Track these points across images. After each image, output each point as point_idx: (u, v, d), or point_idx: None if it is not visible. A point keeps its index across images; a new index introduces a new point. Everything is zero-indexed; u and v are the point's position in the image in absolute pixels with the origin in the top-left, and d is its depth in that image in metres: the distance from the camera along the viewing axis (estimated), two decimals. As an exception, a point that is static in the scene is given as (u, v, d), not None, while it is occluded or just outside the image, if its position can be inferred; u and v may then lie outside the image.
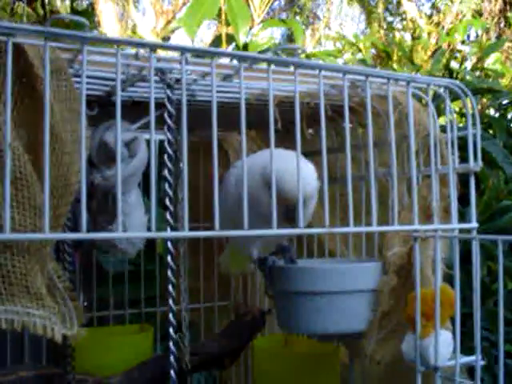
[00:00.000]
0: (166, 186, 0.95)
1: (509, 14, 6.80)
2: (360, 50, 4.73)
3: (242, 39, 2.63)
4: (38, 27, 0.77)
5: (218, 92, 1.09)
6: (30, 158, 0.81)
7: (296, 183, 0.91)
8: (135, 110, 1.12)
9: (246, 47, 2.65)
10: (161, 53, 1.54)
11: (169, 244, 0.96)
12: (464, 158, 1.16)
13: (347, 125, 1.00)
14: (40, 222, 0.79)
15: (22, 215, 0.78)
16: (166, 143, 0.96)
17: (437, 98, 1.20)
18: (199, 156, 1.63)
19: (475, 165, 1.13)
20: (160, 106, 1.15)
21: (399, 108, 1.17)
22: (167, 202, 0.94)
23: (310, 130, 1.39)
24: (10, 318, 0.76)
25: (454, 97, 1.17)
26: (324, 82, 1.08)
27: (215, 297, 1.72)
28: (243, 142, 0.88)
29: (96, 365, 1.28)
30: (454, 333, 1.07)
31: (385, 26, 8.26)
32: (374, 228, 1.00)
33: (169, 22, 7.03)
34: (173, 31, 6.14)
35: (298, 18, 8.64)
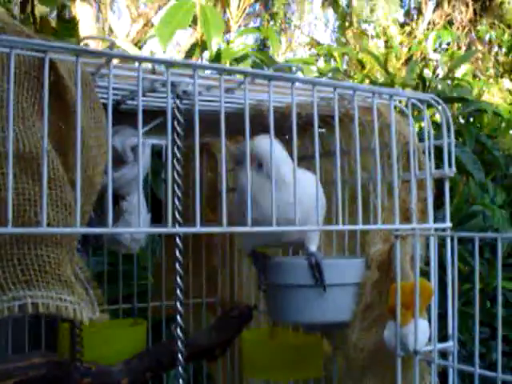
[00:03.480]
0: (175, 186, 1.05)
1: (479, 27, 7.00)
2: (334, 58, 4.85)
3: (215, 47, 2.70)
4: (71, 45, 0.87)
5: (216, 102, 1.21)
6: (61, 161, 0.91)
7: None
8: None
9: (219, 55, 2.72)
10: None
11: (177, 240, 1.06)
12: (438, 165, 1.29)
13: (337, 133, 1.11)
14: (70, 218, 0.89)
15: (56, 212, 0.88)
16: (174, 148, 1.07)
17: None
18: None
19: (450, 171, 1.26)
20: (162, 114, 1.26)
21: (381, 118, 1.28)
22: (175, 200, 1.05)
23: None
24: (46, 303, 0.85)
25: (428, 105, 1.29)
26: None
27: (203, 293, 1.82)
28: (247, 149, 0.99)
29: (94, 356, 1.33)
30: (430, 321, 1.19)
31: (356, 31, 8.40)
32: (360, 226, 1.12)
33: (144, 26, 7.08)
34: (150, 37, 6.21)
35: (271, 22, 8.75)
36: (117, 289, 1.70)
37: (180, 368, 1.11)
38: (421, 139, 1.31)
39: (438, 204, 1.34)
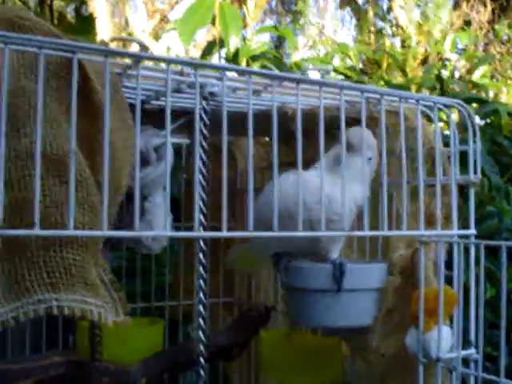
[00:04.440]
0: (200, 188, 1.04)
1: (496, 26, 6.95)
2: (350, 57, 4.84)
3: (233, 46, 2.70)
4: (99, 46, 0.87)
5: (241, 104, 1.20)
6: (88, 162, 0.90)
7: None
8: (163, 117, 1.22)
9: (237, 53, 2.70)
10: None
11: (201, 243, 1.06)
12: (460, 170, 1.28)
13: (364, 134, 1.11)
14: (96, 220, 0.89)
15: (82, 214, 0.88)
16: (199, 150, 1.06)
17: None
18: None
19: (475, 177, 1.25)
20: (185, 113, 1.26)
21: (407, 122, 1.27)
22: (200, 203, 1.04)
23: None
24: (71, 306, 0.85)
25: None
26: (337, 98, 1.20)
27: (220, 293, 1.81)
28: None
29: (110, 355, 1.33)
30: (454, 328, 1.18)
31: (373, 30, 8.37)
32: (385, 232, 1.11)
33: (161, 21, 7.10)
34: (167, 31, 6.22)
35: (288, 19, 8.75)
36: (134, 285, 1.69)
37: (201, 370, 1.10)
38: (445, 144, 1.30)
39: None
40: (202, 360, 1.11)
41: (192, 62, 0.97)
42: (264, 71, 1.17)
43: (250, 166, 0.95)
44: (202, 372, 1.12)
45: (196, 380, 1.15)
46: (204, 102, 1.06)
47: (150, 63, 1.09)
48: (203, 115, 1.06)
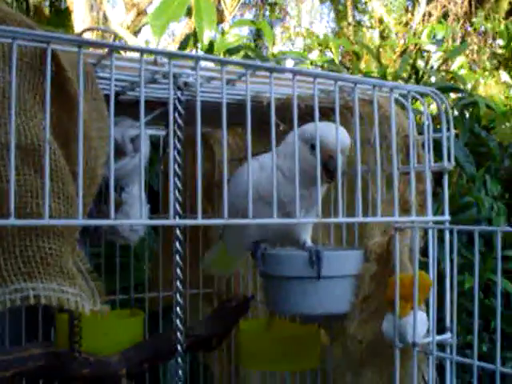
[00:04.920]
0: (175, 178, 1.05)
1: (474, 19, 6.98)
2: (330, 49, 4.84)
3: (207, 40, 2.69)
4: (73, 36, 0.87)
5: (216, 94, 1.20)
6: (62, 152, 0.90)
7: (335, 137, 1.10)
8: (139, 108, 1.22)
9: (211, 46, 2.70)
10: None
11: (177, 231, 1.06)
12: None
13: (337, 125, 1.12)
14: (72, 210, 0.89)
15: (57, 203, 0.88)
16: (174, 140, 1.06)
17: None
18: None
19: (449, 164, 1.26)
20: (161, 104, 1.26)
21: (381, 111, 1.28)
22: (175, 192, 1.04)
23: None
24: (47, 295, 0.85)
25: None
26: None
27: (200, 284, 1.82)
28: (248, 140, 0.99)
29: (91, 347, 1.33)
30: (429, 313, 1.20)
31: (352, 22, 8.38)
32: (360, 219, 1.12)
33: (139, 15, 7.05)
34: (143, 25, 6.18)
35: (267, 13, 8.74)
36: (114, 280, 1.69)
37: (180, 359, 1.11)
38: (419, 133, 1.31)
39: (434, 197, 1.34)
40: (180, 349, 1.12)
41: (166, 52, 0.97)
42: (238, 60, 1.18)
43: (225, 155, 0.95)
44: (180, 361, 1.12)
45: (175, 369, 1.15)
46: (179, 92, 1.07)
47: (126, 54, 1.09)
48: (178, 105, 1.06)
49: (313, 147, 1.16)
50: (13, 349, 1.24)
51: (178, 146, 1.06)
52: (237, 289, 1.76)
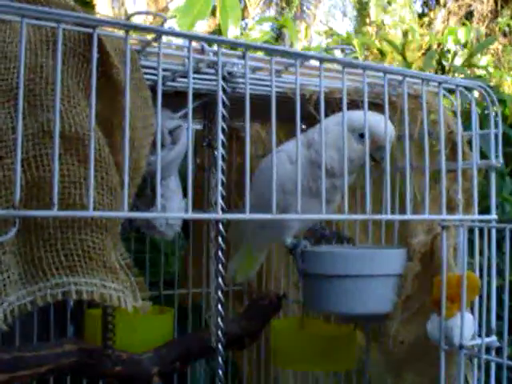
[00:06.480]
0: (219, 171, 1.00)
1: (499, 19, 6.89)
2: (354, 47, 4.79)
3: (231, 37, 2.65)
4: (121, 21, 0.83)
5: (260, 86, 1.17)
6: (106, 142, 0.87)
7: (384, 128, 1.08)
8: (178, 99, 1.19)
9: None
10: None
11: (220, 226, 1.03)
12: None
13: (386, 117, 1.08)
14: (115, 202, 0.85)
15: (101, 195, 0.84)
16: (218, 132, 1.02)
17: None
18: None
19: (496, 161, 1.22)
20: (200, 96, 1.22)
21: (426, 106, 1.24)
22: (219, 186, 1.00)
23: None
24: (90, 290, 0.82)
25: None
26: (356, 80, 1.18)
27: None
28: (272, 134, 0.95)
29: (120, 344, 1.30)
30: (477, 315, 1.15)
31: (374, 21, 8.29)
32: (409, 216, 1.08)
33: (162, 11, 7.04)
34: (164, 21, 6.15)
35: (286, 10, 8.67)
36: (143, 277, 1.66)
37: (220, 359, 1.07)
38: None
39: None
40: (220, 347, 1.08)
41: (214, 39, 0.93)
42: (287, 49, 1.14)
43: (247, 149, 0.91)
44: (220, 361, 1.08)
45: (216, 368, 1.11)
46: (223, 83, 1.02)
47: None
48: (223, 96, 1.02)
49: (361, 136, 1.13)
50: (46, 344, 1.21)
51: (224, 139, 1.02)
52: (268, 286, 1.72)
